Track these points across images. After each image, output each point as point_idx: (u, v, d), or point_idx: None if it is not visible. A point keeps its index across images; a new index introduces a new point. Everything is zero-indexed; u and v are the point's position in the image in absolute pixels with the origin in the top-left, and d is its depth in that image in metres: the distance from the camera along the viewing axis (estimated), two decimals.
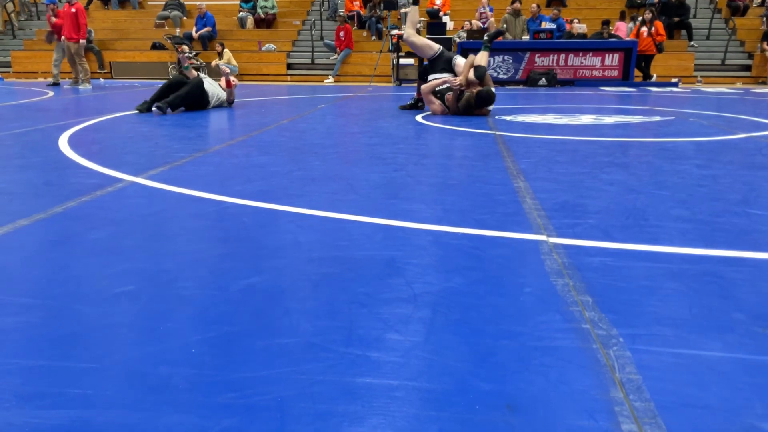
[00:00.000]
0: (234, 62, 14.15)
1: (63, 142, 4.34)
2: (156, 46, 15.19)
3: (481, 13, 14.38)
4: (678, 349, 1.29)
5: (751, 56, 13.69)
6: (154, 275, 1.73)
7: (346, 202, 2.58)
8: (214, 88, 7.02)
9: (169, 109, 6.50)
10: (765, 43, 13.10)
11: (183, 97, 6.64)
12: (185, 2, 16.29)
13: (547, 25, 13.22)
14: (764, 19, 13.64)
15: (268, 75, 14.58)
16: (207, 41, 15.04)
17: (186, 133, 4.95)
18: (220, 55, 14.04)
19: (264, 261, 1.85)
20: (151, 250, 1.95)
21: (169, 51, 14.73)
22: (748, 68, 13.66)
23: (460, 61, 6.48)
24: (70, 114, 6.60)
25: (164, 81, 8.07)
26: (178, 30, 15.61)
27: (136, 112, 6.66)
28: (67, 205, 2.53)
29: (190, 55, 14.26)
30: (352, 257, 1.88)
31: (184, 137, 4.68)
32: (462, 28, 14.12)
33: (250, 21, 15.73)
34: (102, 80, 14.37)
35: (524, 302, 1.54)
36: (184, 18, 16.01)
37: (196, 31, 15.03)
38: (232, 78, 7.19)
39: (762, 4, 14.45)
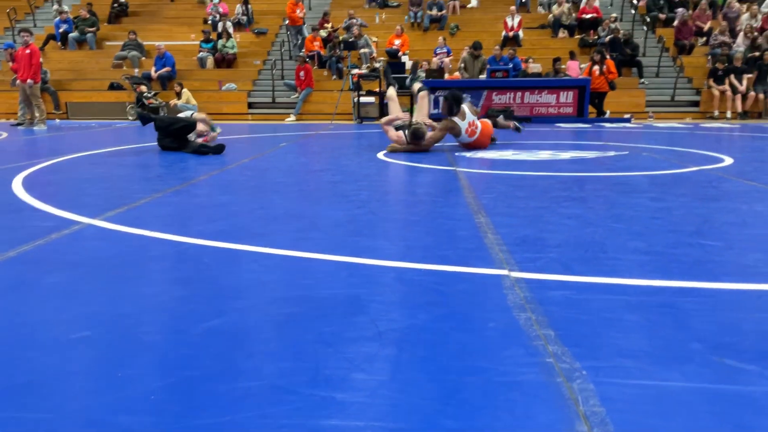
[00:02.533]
0: (193, 101, 14.10)
1: (17, 185, 4.23)
2: (114, 87, 15.06)
3: (438, 54, 14.70)
4: (640, 380, 1.31)
5: (698, 92, 14.27)
6: (112, 320, 1.68)
7: (310, 241, 2.57)
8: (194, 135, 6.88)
9: (142, 120, 6.53)
10: (711, 80, 13.67)
11: (172, 122, 6.51)
12: (144, 42, 16.25)
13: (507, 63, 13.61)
14: (710, 58, 14.26)
15: (228, 114, 14.56)
16: (166, 81, 14.97)
17: (145, 173, 4.89)
18: (179, 95, 14.00)
19: (226, 302, 1.82)
20: (109, 294, 1.90)
21: (127, 91, 14.61)
22: (696, 104, 14.22)
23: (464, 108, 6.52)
24: (25, 155, 6.46)
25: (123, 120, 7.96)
26: (136, 70, 15.53)
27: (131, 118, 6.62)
28: (21, 249, 2.46)
29: (149, 95, 14.21)
30: (316, 296, 1.86)
31: (143, 177, 4.62)
32: (420, 67, 14.39)
33: (210, 61, 15.75)
34: (57, 121, 14.13)
35: (488, 337, 1.55)
36: (143, 58, 15.94)
37: (155, 71, 14.97)
38: (209, 136, 7.00)
39: (707, 44, 15.12)
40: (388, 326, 1.62)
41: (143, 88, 14.30)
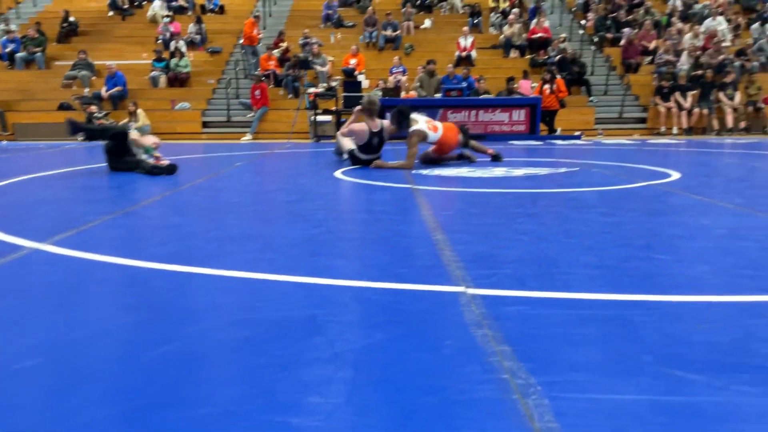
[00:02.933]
0: (147, 121, 13.87)
1: None
2: (63, 107, 14.70)
3: (394, 73, 14.85)
4: (593, 394, 1.33)
5: (645, 109, 14.74)
6: (58, 348, 1.62)
7: (265, 262, 2.54)
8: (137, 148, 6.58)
9: (82, 134, 6.34)
10: (657, 98, 14.14)
11: (104, 129, 6.34)
12: (94, 62, 15.93)
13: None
14: (655, 76, 14.76)
15: (182, 133, 14.35)
16: (117, 101, 14.70)
17: (95, 195, 4.77)
18: (133, 114, 13.75)
19: (178, 327, 1.78)
20: (55, 321, 1.84)
21: (77, 111, 14.28)
22: (643, 120, 14.68)
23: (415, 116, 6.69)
24: None
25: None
26: (86, 90, 15.20)
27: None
28: None
29: (99, 115, 13.92)
30: (271, 318, 1.84)
31: (92, 200, 4.51)
32: (377, 86, 14.50)
33: (162, 80, 15.54)
34: (4, 142, 13.71)
35: (445, 355, 1.55)
36: (94, 78, 15.62)
37: (106, 91, 14.69)
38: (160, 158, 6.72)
39: (652, 62, 15.65)
40: (344, 347, 1.60)
41: (94, 108, 14.01)
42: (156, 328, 1.77)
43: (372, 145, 6.62)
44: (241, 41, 16.20)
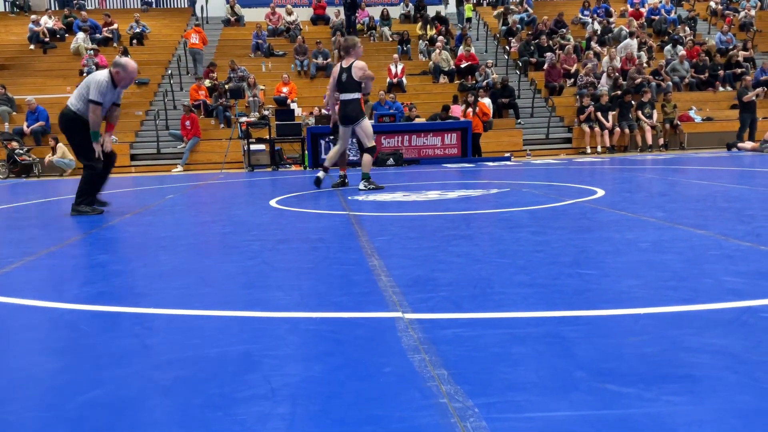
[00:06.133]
0: (69, 156, 13.42)
1: None
2: None
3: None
4: (530, 413, 1.35)
5: (570, 130, 15.33)
6: None
7: (198, 297, 2.47)
8: None
9: None
10: (581, 117, 14.74)
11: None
12: (15, 97, 15.33)
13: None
14: (577, 98, 15.38)
15: None
16: (40, 136, 14.17)
17: (17, 235, 4.55)
18: (54, 150, 13.27)
19: (106, 371, 1.70)
20: None
21: None
22: (569, 140, 15.26)
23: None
24: None
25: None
26: (6, 125, 14.59)
27: None
28: None
29: (21, 152, 13.36)
30: (204, 356, 1.78)
31: (14, 240, 4.29)
32: (310, 114, 14.53)
33: None
34: None
35: (384, 383, 1.54)
36: (14, 113, 15.02)
37: (28, 126, 14.14)
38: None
39: (574, 84, 16.31)
40: (281, 381, 1.57)
41: (15, 144, 13.47)
42: (83, 373, 1.69)
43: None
44: (186, 46, 16.17)
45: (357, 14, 19.57)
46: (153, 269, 3.09)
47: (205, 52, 17.97)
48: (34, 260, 3.43)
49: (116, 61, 5.61)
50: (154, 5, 23.05)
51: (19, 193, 9.09)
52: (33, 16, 18.82)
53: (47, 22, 18.71)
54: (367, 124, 7.27)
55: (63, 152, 13.32)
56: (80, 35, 17.85)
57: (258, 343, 1.88)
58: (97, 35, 18.38)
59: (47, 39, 18.27)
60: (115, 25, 18.81)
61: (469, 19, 20.24)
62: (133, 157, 14.40)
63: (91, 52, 16.90)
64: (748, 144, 13.53)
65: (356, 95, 7.15)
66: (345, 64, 7.23)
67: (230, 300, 2.43)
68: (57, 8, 21.56)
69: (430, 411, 1.37)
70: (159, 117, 14.89)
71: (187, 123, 14.13)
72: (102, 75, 5.49)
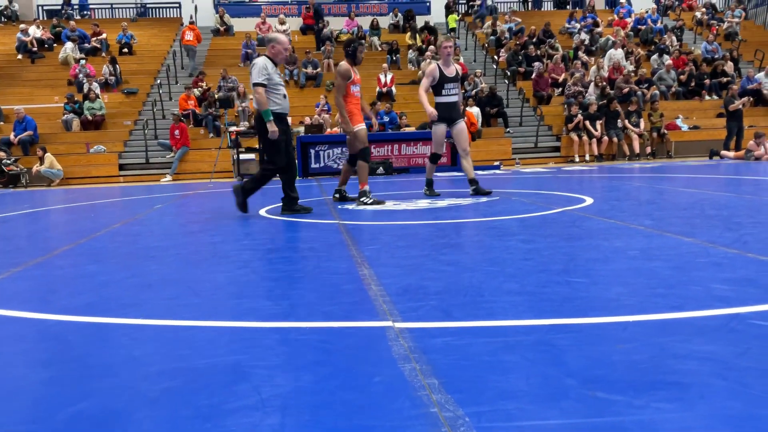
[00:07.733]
0: (57, 166, 13.33)
1: None
2: None
3: (319, 110, 14.93)
4: (520, 421, 1.35)
5: (558, 138, 15.42)
6: None
7: (187, 307, 2.46)
8: None
9: None
10: (569, 126, 14.83)
11: None
12: (2, 107, 15.23)
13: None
14: (566, 107, 15.49)
15: (98, 177, 13.86)
16: (28, 146, 14.07)
17: (4, 245, 4.51)
18: (42, 159, 13.19)
19: (94, 382, 1.68)
20: None
21: None
22: (557, 149, 15.34)
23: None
24: None
25: None
26: None
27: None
28: None
29: (9, 162, 13.26)
30: (193, 367, 1.77)
31: (1, 251, 4.25)
32: (300, 122, 14.52)
33: (76, 123, 15.00)
34: None
35: (374, 392, 1.54)
36: (1, 123, 14.93)
37: (15, 136, 14.04)
38: None
39: (562, 93, 16.43)
40: (271, 392, 1.56)
41: (2, 154, 13.38)
42: (70, 385, 1.67)
43: None
44: (181, 42, 16.28)
45: (320, 24, 19.55)
46: (141, 279, 3.07)
47: (195, 62, 17.96)
48: (21, 271, 3.40)
49: (267, 37, 5.91)
50: (146, 14, 23.04)
51: (6, 203, 9.02)
52: (21, 26, 18.71)
53: (35, 31, 18.61)
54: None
55: (51, 162, 13.24)
56: (68, 45, 17.77)
57: (247, 353, 1.87)
58: (86, 45, 18.31)
59: (35, 49, 18.17)
60: (104, 35, 18.75)
61: (453, 30, 20.35)
62: (121, 167, 14.32)
63: (83, 61, 16.84)
64: (731, 153, 13.66)
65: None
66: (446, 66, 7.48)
67: (219, 310, 2.42)
68: (45, 18, 21.46)
69: (420, 420, 1.37)
70: (148, 126, 14.84)
71: (176, 132, 14.08)
72: (258, 59, 5.68)
